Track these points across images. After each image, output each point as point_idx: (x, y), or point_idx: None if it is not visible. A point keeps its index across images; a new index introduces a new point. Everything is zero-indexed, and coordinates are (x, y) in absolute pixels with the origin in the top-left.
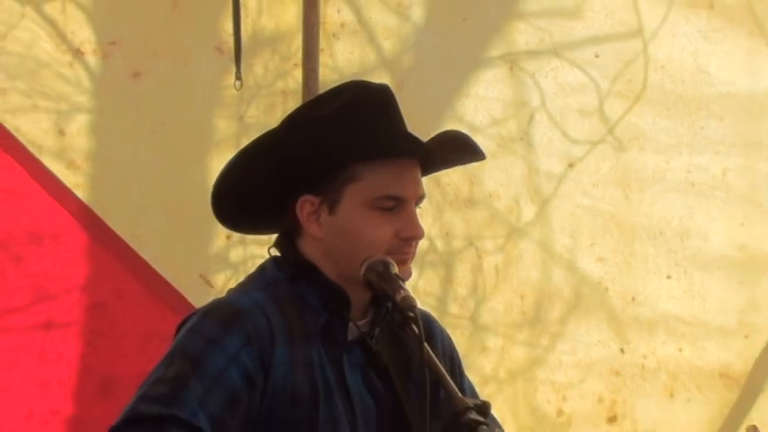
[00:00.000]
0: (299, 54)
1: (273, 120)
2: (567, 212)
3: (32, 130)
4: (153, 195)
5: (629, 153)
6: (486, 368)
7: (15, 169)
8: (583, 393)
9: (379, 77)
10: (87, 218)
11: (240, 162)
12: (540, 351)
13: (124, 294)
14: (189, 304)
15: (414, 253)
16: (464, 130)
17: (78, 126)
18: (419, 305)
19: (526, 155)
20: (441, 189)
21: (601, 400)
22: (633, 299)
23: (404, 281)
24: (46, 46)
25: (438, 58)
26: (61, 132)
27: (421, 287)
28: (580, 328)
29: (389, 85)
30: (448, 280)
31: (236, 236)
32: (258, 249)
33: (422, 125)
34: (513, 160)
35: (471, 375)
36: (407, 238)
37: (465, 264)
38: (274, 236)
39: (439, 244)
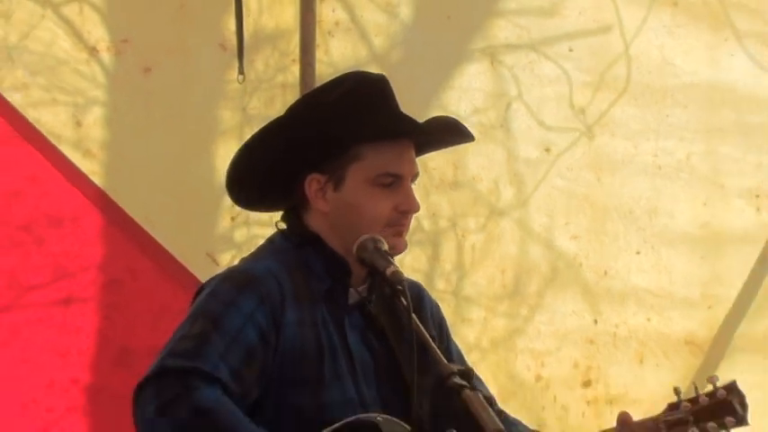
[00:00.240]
0: (297, 50)
1: (274, 111)
2: (544, 194)
3: (52, 121)
4: (163, 181)
5: (600, 139)
6: (470, 338)
7: (36, 158)
8: (560, 360)
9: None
10: (103, 202)
11: (253, 145)
12: (519, 322)
13: (137, 272)
14: (197, 280)
15: (409, 225)
16: None
17: (94, 118)
18: None
19: (506, 141)
20: (427, 173)
21: (576, 366)
22: (605, 273)
23: (392, 256)
24: (64, 44)
25: (425, 53)
26: (78, 124)
27: (408, 263)
28: (557, 301)
29: None
30: (434, 257)
31: (241, 217)
32: (260, 230)
33: (410, 115)
34: (493, 146)
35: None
36: (405, 211)
37: (450, 242)
38: (273, 225)
39: (425, 224)
